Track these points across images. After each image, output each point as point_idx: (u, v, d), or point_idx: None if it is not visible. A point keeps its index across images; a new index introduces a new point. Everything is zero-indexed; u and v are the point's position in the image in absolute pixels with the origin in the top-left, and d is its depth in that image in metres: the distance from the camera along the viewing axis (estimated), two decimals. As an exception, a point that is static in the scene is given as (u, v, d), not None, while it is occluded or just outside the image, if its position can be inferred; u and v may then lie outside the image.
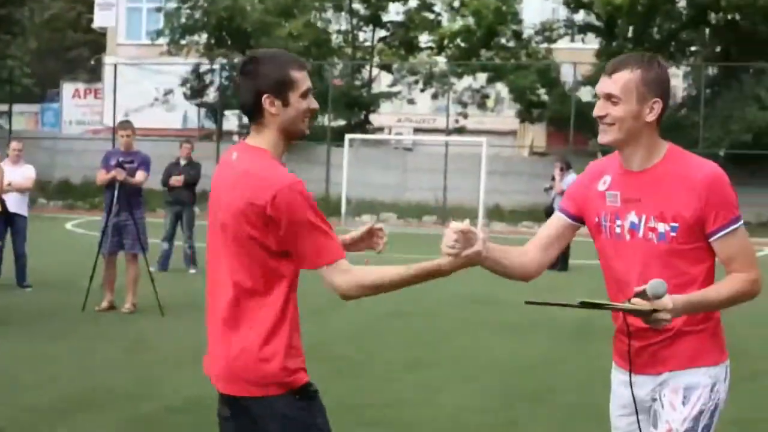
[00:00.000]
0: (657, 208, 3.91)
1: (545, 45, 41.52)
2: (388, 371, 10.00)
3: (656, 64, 3.93)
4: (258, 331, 3.81)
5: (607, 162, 4.15)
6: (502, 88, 42.84)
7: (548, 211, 20.64)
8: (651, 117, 3.90)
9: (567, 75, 40.05)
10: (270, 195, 3.76)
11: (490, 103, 44.59)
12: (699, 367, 3.96)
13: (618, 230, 4.01)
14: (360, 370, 10.03)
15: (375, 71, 45.38)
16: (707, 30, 39.86)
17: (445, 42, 41.14)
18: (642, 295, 3.66)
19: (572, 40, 43.81)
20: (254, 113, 3.93)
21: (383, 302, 14.12)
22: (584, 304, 3.61)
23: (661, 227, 3.90)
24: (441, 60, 42.85)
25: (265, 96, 3.88)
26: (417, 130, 57.77)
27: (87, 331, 11.95)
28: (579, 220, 4.21)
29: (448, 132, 39.80)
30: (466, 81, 42.35)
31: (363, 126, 42.44)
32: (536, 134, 46.62)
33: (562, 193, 20.51)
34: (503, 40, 40.94)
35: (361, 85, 44.21)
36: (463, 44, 40.44)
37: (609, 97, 3.90)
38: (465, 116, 42.55)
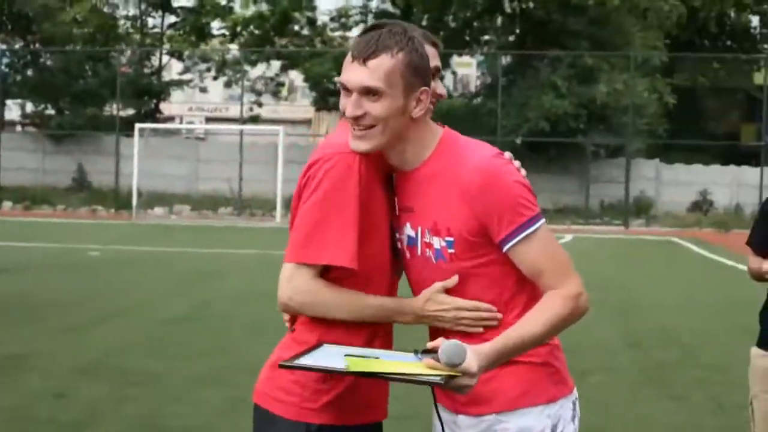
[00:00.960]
0: (430, 218, 3.00)
1: (340, 32, 40.95)
2: (188, 384, 8.95)
3: (415, 43, 2.93)
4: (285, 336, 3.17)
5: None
6: (296, 77, 42.15)
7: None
8: (419, 111, 2.95)
9: (362, 63, 39.54)
10: (308, 165, 3.04)
11: (284, 91, 43.82)
12: (532, 406, 3.05)
13: (400, 245, 3.11)
14: (156, 384, 8.94)
15: (165, 58, 43.97)
16: (500, 18, 39.99)
17: (238, 29, 40.12)
18: (434, 354, 2.71)
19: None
20: None
21: (173, 306, 13.28)
22: (355, 373, 2.70)
23: (437, 242, 3.00)
24: (233, 47, 41.83)
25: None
26: (209, 119, 56.73)
27: None
28: None
29: (242, 121, 38.76)
30: (260, 69, 41.46)
31: (153, 115, 41.17)
32: (332, 122, 46.09)
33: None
34: (297, 27, 40.20)
35: (151, 72, 42.76)
36: (256, 31, 39.50)
37: (367, 91, 2.88)
38: (259, 105, 41.70)
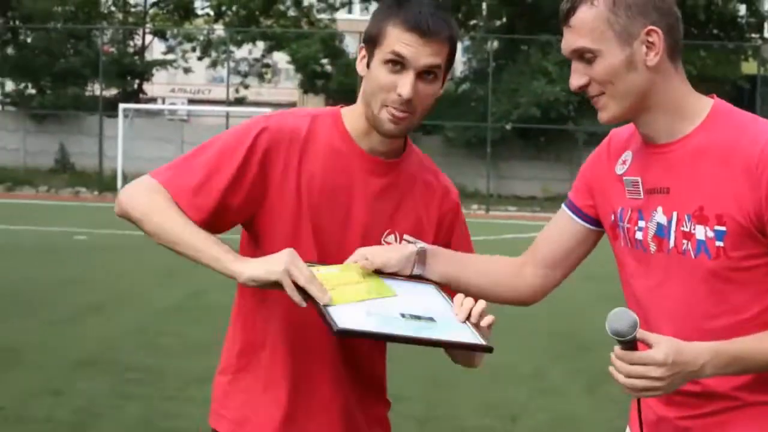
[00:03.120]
0: (694, 202, 2.43)
1: (327, 14, 40.47)
2: (189, 381, 8.49)
3: None
4: None
5: (633, 130, 2.62)
6: (280, 59, 41.59)
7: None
8: (653, 58, 2.41)
9: (349, 45, 39.18)
10: None
11: (268, 74, 43.30)
12: None
13: (639, 236, 2.54)
14: (156, 381, 8.48)
15: (148, 38, 43.34)
16: (488, 2, 39.50)
17: (223, 8, 39.57)
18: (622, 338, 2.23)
19: (349, 12, 42.91)
20: None
21: (165, 295, 12.81)
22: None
23: (701, 232, 2.41)
24: (219, 27, 41.27)
25: (361, 45, 2.70)
26: (191, 101, 56.26)
27: None
28: (596, 221, 2.74)
29: (228, 102, 38.19)
30: (245, 50, 40.92)
31: (136, 96, 40.56)
32: (317, 106, 45.66)
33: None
34: (283, 8, 39.69)
35: (134, 52, 42.12)
36: (242, 11, 38.97)
37: (580, 54, 2.45)
38: (245, 86, 41.16)
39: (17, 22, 40.70)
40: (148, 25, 43.07)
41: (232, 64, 40.03)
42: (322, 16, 40.55)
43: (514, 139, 34.39)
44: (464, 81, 39.59)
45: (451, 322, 2.47)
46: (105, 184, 33.29)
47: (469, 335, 2.44)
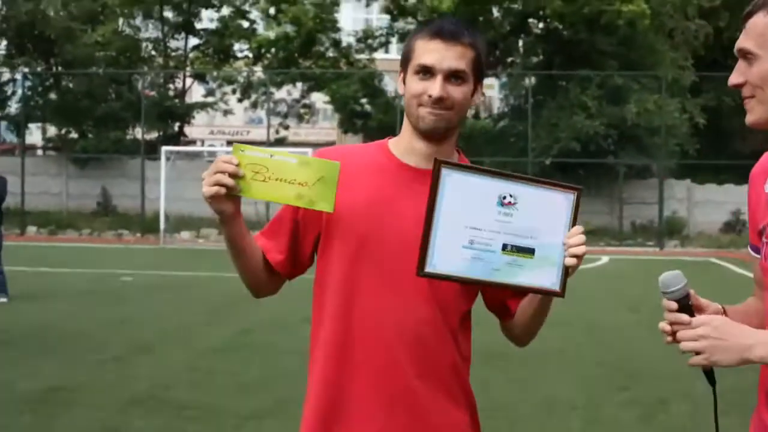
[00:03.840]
0: None
1: (365, 55, 40.60)
2: (246, 418, 8.52)
3: None
4: None
5: None
6: (317, 99, 41.70)
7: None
8: None
9: (388, 84, 39.28)
10: None
11: (307, 114, 43.45)
12: None
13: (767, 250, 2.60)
14: (213, 419, 8.51)
15: (189, 81, 43.61)
16: (525, 39, 39.51)
17: (262, 51, 39.79)
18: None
19: (386, 51, 43.03)
20: None
21: (214, 334, 12.85)
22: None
23: None
24: (258, 69, 41.48)
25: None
26: (230, 143, 56.53)
27: None
28: None
29: (269, 143, 38.32)
30: (284, 91, 41.11)
31: (177, 138, 40.71)
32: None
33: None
34: (322, 49, 39.84)
35: (174, 95, 42.36)
36: (281, 53, 39.16)
37: (743, 54, 2.50)
38: (285, 127, 41.34)
39: (59, 68, 41.03)
40: (188, 69, 43.31)
41: (271, 105, 40.19)
42: (361, 56, 40.66)
43: (553, 174, 34.29)
44: (503, 117, 39.58)
45: (549, 255, 2.66)
46: (147, 225, 33.44)
47: (552, 276, 2.66)
